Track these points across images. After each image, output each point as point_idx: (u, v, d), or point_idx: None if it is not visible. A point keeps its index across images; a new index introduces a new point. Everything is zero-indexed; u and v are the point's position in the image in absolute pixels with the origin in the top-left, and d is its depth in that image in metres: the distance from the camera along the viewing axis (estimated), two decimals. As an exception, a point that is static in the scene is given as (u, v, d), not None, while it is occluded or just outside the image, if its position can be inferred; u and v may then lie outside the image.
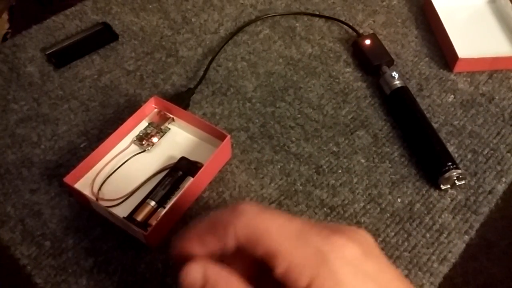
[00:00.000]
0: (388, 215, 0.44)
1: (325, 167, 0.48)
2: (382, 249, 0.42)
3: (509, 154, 0.49)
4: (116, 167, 0.45)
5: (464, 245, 0.43)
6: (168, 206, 0.41)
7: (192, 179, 0.43)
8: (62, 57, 0.56)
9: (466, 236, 0.43)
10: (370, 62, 0.55)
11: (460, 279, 1.10)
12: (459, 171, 0.45)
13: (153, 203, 0.42)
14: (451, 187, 0.46)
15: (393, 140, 0.50)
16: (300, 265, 0.23)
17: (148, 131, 0.48)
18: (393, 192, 0.46)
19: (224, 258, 0.26)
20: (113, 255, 0.41)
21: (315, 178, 0.47)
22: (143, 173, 0.45)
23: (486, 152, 0.49)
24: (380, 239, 0.43)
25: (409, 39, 0.60)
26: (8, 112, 0.51)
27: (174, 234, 0.42)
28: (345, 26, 0.61)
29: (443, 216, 0.44)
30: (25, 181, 0.46)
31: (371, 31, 0.60)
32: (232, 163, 0.47)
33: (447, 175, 0.45)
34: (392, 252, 0.42)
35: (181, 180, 0.44)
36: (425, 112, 0.51)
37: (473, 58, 0.55)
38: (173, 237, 0.27)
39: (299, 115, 0.52)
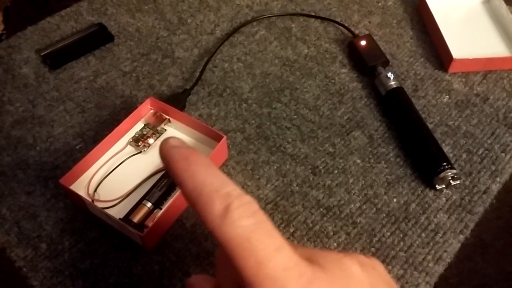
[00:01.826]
0: (384, 215, 0.45)
1: (321, 167, 0.48)
2: (378, 249, 0.42)
3: (503, 154, 0.49)
4: (112, 169, 0.45)
5: (459, 244, 0.43)
6: (164, 208, 0.41)
7: (188, 180, 0.43)
8: (58, 58, 0.56)
9: (461, 236, 0.44)
10: (366, 62, 0.55)
11: (455, 279, 1.11)
12: (454, 171, 0.45)
13: (149, 204, 0.42)
14: (446, 187, 0.46)
15: (389, 140, 0.50)
16: None
17: (144, 132, 0.48)
18: (389, 192, 0.46)
19: None
20: (110, 257, 0.41)
21: (311, 178, 0.47)
22: (139, 174, 0.45)
23: (480, 152, 0.49)
24: (376, 239, 0.43)
25: (404, 40, 0.60)
26: (3, 113, 0.51)
27: (171, 235, 0.42)
28: (340, 27, 0.61)
29: (438, 216, 0.45)
30: (21, 183, 0.46)
31: (367, 32, 0.60)
32: (228, 164, 0.48)
33: (442, 175, 0.45)
34: (388, 252, 0.42)
35: (177, 181, 0.44)
36: (420, 113, 0.51)
37: (467, 59, 0.55)
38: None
39: (295, 116, 0.52)
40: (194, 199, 0.21)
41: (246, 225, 0.20)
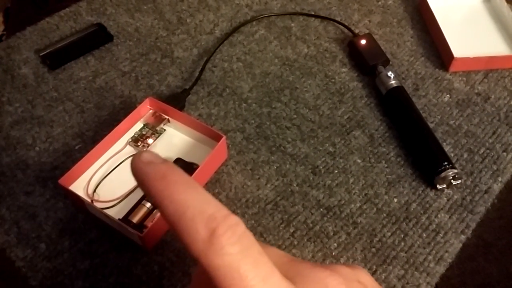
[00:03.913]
0: (385, 215, 0.44)
1: (321, 167, 0.48)
2: (379, 249, 0.42)
3: (504, 154, 0.49)
4: (111, 169, 0.45)
5: (461, 244, 0.43)
6: (163, 208, 0.41)
7: (188, 180, 0.43)
8: (57, 58, 0.56)
9: (463, 236, 0.43)
10: (366, 62, 0.55)
11: (457, 279, 1.10)
12: (455, 170, 0.45)
13: (148, 204, 0.42)
14: (447, 187, 0.46)
15: (389, 140, 0.50)
16: None
17: (144, 133, 0.48)
18: (390, 192, 0.46)
19: None
20: (109, 257, 0.41)
21: (311, 178, 0.47)
22: (138, 174, 0.45)
23: (482, 151, 0.49)
24: (377, 239, 0.43)
25: (405, 39, 0.60)
26: (3, 114, 0.51)
27: (171, 235, 0.42)
28: (340, 26, 0.61)
29: (439, 215, 0.44)
30: (20, 183, 0.45)
31: (367, 31, 0.60)
32: (228, 164, 0.47)
33: (443, 174, 0.45)
34: (388, 252, 0.42)
35: (177, 181, 0.44)
36: (421, 112, 0.51)
37: (468, 58, 0.55)
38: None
39: (295, 116, 0.52)
40: (176, 223, 0.19)
41: (234, 252, 0.19)
